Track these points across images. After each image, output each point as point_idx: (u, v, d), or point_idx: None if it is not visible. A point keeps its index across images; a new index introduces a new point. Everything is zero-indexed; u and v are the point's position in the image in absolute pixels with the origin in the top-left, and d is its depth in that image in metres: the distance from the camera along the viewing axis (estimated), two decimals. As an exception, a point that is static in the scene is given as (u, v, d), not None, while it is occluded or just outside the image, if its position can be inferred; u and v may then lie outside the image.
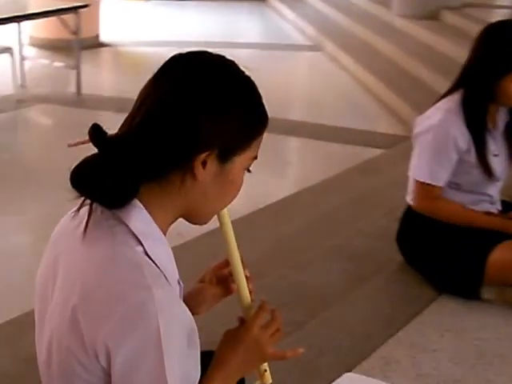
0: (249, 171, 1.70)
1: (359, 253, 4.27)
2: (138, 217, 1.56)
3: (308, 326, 3.40)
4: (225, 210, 1.82)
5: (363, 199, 5.30)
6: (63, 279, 1.61)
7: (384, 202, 5.01)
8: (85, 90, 8.27)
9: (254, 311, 1.83)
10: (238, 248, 1.87)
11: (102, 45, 10.84)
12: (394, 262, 3.96)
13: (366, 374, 3.01)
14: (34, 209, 5.48)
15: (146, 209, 1.57)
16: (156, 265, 1.53)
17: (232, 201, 1.73)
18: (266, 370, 1.93)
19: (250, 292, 1.90)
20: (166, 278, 1.55)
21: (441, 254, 3.66)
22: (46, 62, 9.17)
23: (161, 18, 13.88)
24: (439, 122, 3.47)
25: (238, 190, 1.70)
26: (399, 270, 3.91)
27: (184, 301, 1.78)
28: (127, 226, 1.54)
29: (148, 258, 1.53)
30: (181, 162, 1.56)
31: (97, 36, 10.76)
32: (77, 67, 8.23)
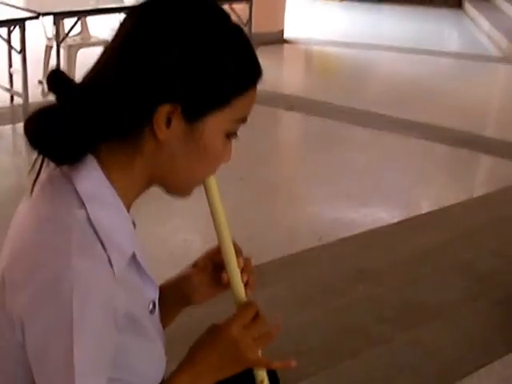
0: (235, 136, 1.41)
1: (487, 272, 3.86)
2: (89, 177, 1.32)
3: (395, 343, 3.05)
4: (212, 181, 1.50)
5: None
6: (6, 240, 1.40)
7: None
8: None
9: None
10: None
11: (286, 41, 10.64)
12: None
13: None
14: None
15: (104, 171, 1.34)
16: (96, 232, 1.28)
17: (213, 171, 1.46)
18: (262, 382, 1.61)
19: (246, 285, 1.59)
20: (104, 248, 1.28)
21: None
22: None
23: (353, 20, 13.39)
24: None
25: (219, 159, 1.42)
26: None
27: (170, 285, 1.66)
28: (75, 186, 1.31)
29: (88, 224, 1.28)
30: (140, 116, 1.31)
31: (281, 31, 10.53)
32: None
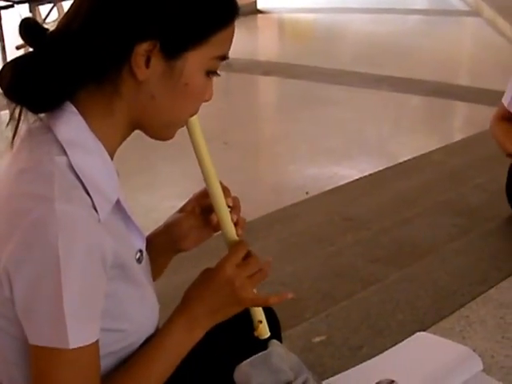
0: (216, 74, 1.34)
1: (473, 208, 3.76)
2: (68, 122, 1.26)
3: (389, 280, 2.92)
4: (194, 122, 1.43)
5: (493, 157, 4.69)
6: None
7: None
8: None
9: None
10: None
11: (259, 11, 10.63)
12: (505, 216, 3.40)
13: (443, 334, 2.51)
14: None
15: (84, 116, 1.27)
16: (78, 177, 1.22)
17: (195, 110, 1.38)
18: (260, 322, 1.54)
19: (236, 225, 1.50)
20: (87, 193, 1.23)
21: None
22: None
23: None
24: None
25: (200, 97, 1.35)
26: (507, 224, 3.34)
27: (158, 233, 1.61)
28: (54, 134, 1.25)
29: (69, 170, 1.22)
30: (118, 56, 1.24)
31: (254, 2, 10.54)
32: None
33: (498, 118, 3.15)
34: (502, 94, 3.22)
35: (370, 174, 4.77)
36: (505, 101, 3.10)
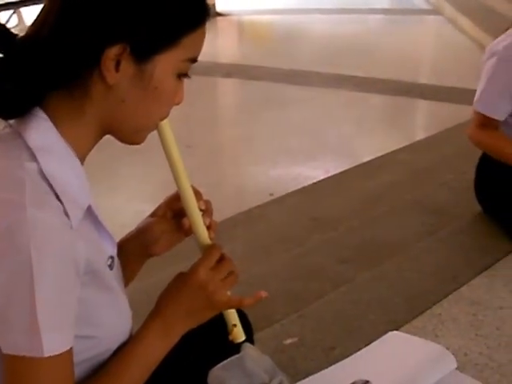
0: (186, 76, 1.33)
1: (441, 206, 3.75)
2: (38, 128, 1.24)
3: (359, 280, 2.90)
4: (165, 126, 1.41)
5: (458, 155, 4.70)
6: None
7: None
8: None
9: None
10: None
11: (219, 14, 10.64)
12: (473, 213, 3.39)
13: (416, 333, 2.51)
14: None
15: (54, 121, 1.25)
16: (49, 184, 1.21)
17: (165, 114, 1.37)
18: (235, 325, 1.53)
19: (209, 228, 1.49)
20: (59, 199, 1.21)
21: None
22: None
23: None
24: (504, 48, 2.92)
25: (170, 101, 1.34)
26: (476, 221, 3.34)
27: (130, 238, 1.60)
28: (25, 140, 1.23)
29: (40, 176, 1.20)
30: (87, 60, 1.22)
31: (213, 5, 10.43)
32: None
33: (479, 128, 3.07)
34: (464, 91, 3.22)
35: (335, 174, 4.75)
36: (483, 109, 3.03)
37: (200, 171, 4.88)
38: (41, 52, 1.22)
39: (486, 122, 3.03)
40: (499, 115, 3.00)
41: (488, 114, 2.99)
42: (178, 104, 1.35)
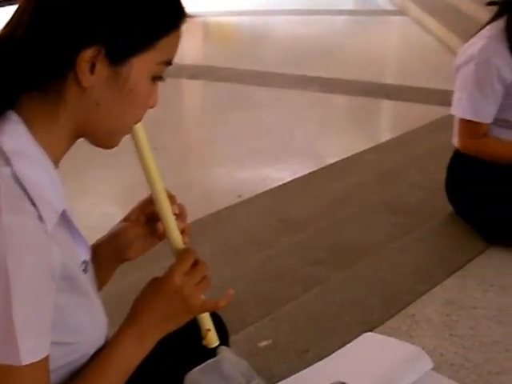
0: (161, 79, 1.33)
1: (411, 206, 3.74)
2: (12, 132, 1.23)
3: (332, 282, 2.89)
4: (139, 129, 1.40)
5: (427, 155, 4.71)
6: None
7: (448, 156, 4.41)
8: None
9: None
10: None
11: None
12: (444, 213, 3.39)
13: (390, 333, 2.50)
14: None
15: (27, 124, 1.24)
16: (24, 189, 1.19)
17: (139, 117, 1.36)
18: (209, 330, 1.52)
19: (183, 232, 1.49)
20: (33, 204, 1.19)
21: (490, 200, 3.07)
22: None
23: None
24: (480, 50, 2.91)
25: (145, 104, 1.33)
26: (447, 221, 3.34)
27: (103, 243, 1.58)
28: None
29: (14, 180, 1.19)
30: (62, 63, 1.21)
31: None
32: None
33: (471, 137, 3.08)
34: (430, 91, 3.22)
35: (303, 176, 4.73)
36: (474, 116, 3.02)
37: (167, 173, 4.80)
38: (15, 53, 1.21)
39: (476, 130, 3.03)
40: (489, 119, 3.00)
41: (479, 120, 3.00)
42: (152, 107, 1.35)
